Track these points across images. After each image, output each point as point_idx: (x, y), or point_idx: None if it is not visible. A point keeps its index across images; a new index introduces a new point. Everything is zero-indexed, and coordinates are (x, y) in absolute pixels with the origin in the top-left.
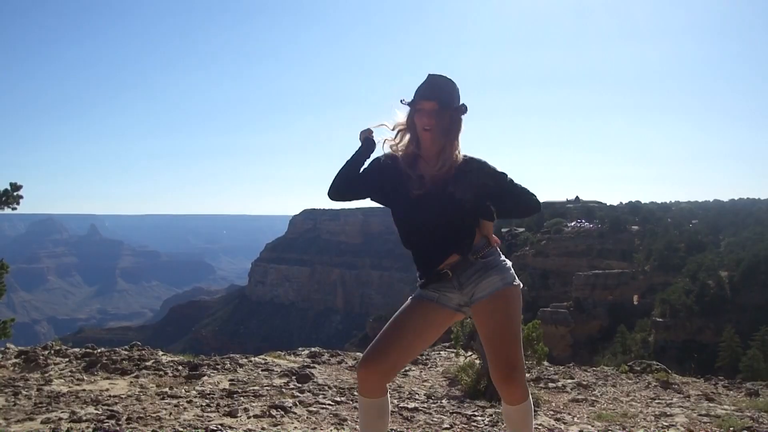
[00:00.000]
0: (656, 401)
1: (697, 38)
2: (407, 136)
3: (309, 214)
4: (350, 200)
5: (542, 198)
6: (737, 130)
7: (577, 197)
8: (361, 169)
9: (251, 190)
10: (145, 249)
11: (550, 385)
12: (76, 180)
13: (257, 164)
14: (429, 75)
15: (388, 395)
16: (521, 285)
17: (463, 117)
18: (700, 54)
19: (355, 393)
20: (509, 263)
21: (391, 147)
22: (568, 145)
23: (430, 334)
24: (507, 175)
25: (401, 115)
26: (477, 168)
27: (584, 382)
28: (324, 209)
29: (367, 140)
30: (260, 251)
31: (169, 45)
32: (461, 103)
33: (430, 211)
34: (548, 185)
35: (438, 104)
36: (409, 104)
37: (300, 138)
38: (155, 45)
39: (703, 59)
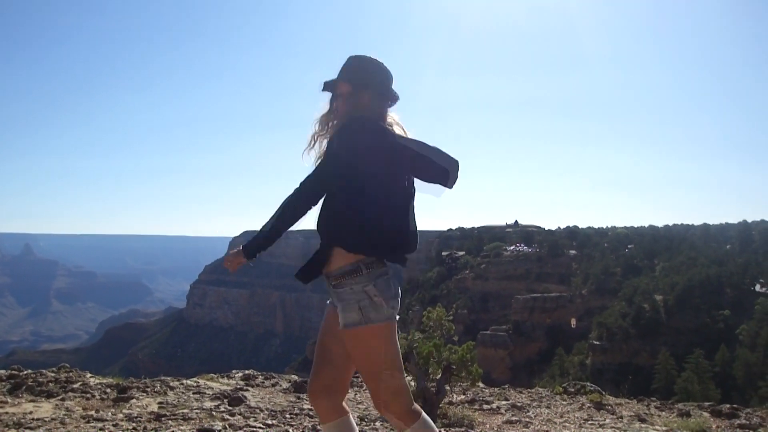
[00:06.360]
0: (589, 422)
1: (632, 65)
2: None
3: (250, 236)
4: None
5: (482, 222)
6: (672, 158)
7: (516, 222)
8: None
9: (191, 211)
10: (81, 269)
11: (485, 406)
12: (9, 198)
13: (197, 185)
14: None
15: (350, 414)
16: (376, 321)
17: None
18: (636, 82)
19: (288, 415)
20: (361, 297)
21: None
22: (508, 169)
23: None
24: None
25: None
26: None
27: (519, 404)
28: None
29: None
30: (199, 273)
31: (110, 65)
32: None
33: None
34: (488, 210)
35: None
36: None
37: (241, 159)
38: (95, 64)
39: (639, 88)
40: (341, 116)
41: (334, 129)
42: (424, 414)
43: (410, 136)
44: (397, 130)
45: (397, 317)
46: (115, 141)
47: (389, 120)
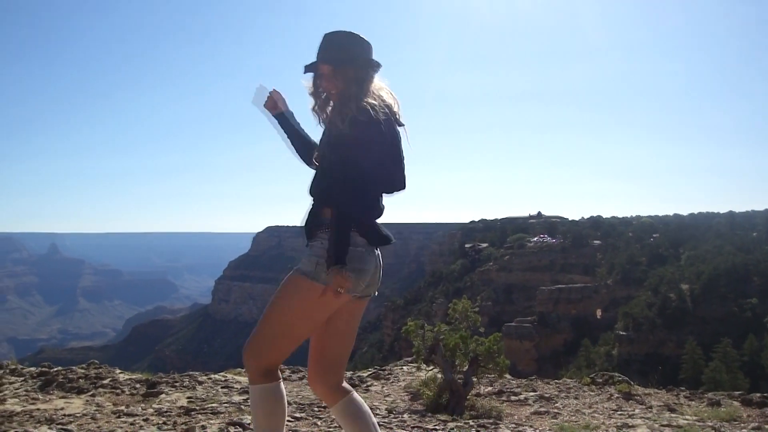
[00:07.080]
0: (618, 413)
1: (653, 54)
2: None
3: (273, 231)
4: None
5: (505, 213)
6: (696, 146)
7: (539, 212)
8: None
9: (214, 207)
10: (107, 267)
11: (513, 398)
12: (35, 198)
13: (220, 181)
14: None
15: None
16: (309, 274)
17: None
18: (658, 70)
19: (316, 408)
20: (319, 253)
21: None
22: (531, 160)
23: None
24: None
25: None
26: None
27: (547, 395)
28: (288, 226)
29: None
30: (224, 269)
31: (130, 63)
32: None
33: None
34: (510, 201)
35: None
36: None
37: (263, 155)
38: (116, 62)
39: (661, 76)
40: (338, 95)
41: (338, 110)
42: (276, 384)
43: (398, 100)
44: (385, 95)
45: (353, 293)
46: (139, 139)
47: (378, 87)
